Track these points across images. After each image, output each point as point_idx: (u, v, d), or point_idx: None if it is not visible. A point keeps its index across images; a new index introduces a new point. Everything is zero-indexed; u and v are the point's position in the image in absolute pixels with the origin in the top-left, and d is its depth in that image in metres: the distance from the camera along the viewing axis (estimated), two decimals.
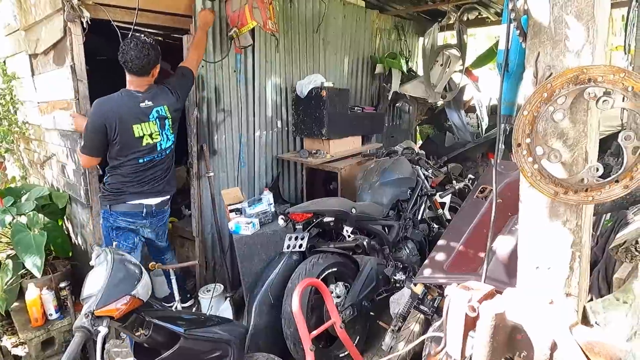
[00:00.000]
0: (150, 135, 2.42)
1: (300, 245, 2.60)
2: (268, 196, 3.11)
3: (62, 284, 2.78)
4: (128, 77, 2.38)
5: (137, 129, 2.36)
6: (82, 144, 2.30)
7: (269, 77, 3.58)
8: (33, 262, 2.52)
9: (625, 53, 3.16)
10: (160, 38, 4.70)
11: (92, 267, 1.59)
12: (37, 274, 2.54)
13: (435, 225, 3.47)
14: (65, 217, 3.22)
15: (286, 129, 3.89)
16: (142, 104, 2.38)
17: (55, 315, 2.78)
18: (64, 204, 2.98)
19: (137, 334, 1.55)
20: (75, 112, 2.48)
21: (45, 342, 2.73)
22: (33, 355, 2.69)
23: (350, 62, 4.54)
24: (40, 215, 2.86)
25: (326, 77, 4.00)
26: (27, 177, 3.84)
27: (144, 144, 2.40)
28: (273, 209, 3.11)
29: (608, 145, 3.69)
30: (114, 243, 2.42)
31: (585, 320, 0.89)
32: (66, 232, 3.16)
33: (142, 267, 1.61)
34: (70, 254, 3.05)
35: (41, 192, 2.94)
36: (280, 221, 2.93)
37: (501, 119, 1.00)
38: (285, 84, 3.77)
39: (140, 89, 2.40)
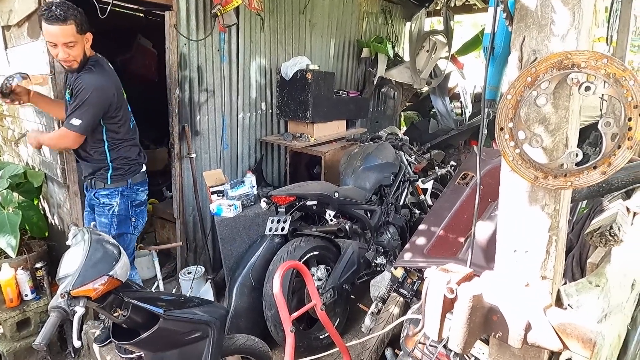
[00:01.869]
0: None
1: (283, 228, 2.59)
2: (251, 179, 3.09)
3: (38, 264, 2.72)
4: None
5: (124, 94, 2.35)
6: (80, 124, 2.11)
7: (254, 57, 3.52)
8: (7, 242, 2.46)
9: (608, 44, 3.21)
10: (141, 14, 4.57)
11: (69, 247, 1.56)
12: (12, 254, 2.48)
13: (417, 211, 3.51)
14: (41, 197, 3.13)
15: (270, 111, 3.84)
16: None
17: (30, 296, 2.72)
18: (40, 183, 2.89)
19: (115, 314, 1.54)
20: (30, 132, 2.38)
21: (20, 322, 2.68)
22: (8, 336, 2.64)
23: (336, 45, 4.49)
24: (15, 194, 2.78)
25: (312, 59, 3.95)
26: (1, 155, 3.71)
27: (129, 108, 2.40)
28: (255, 192, 3.10)
29: (587, 135, 3.77)
30: (133, 220, 2.44)
31: (559, 302, 0.92)
32: (42, 212, 3.08)
33: (121, 248, 1.58)
34: (47, 234, 2.98)
35: (15, 170, 2.85)
36: (263, 204, 2.92)
37: (485, 103, 1.00)
38: (270, 65, 3.72)
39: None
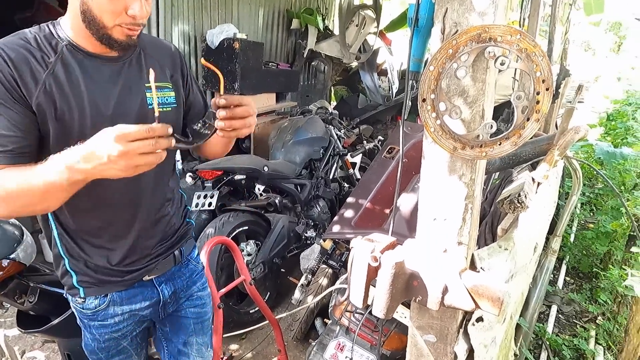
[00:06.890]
0: None
1: (210, 204, 2.51)
2: None
3: None
4: None
5: None
6: None
7: (175, 23, 3.29)
8: None
9: (520, 28, 3.44)
10: None
11: None
12: None
13: (346, 184, 3.58)
14: None
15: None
16: None
17: None
18: None
19: (19, 301, 1.40)
20: None
21: None
22: None
23: (265, 14, 4.34)
24: None
25: (239, 28, 3.79)
26: None
27: None
28: (180, 166, 2.95)
29: (500, 112, 4.06)
30: None
31: (473, 266, 0.98)
32: None
33: (24, 228, 1.43)
34: None
35: None
36: (188, 179, 2.79)
37: (409, 75, 1.02)
38: (195, 32, 3.50)
39: None
